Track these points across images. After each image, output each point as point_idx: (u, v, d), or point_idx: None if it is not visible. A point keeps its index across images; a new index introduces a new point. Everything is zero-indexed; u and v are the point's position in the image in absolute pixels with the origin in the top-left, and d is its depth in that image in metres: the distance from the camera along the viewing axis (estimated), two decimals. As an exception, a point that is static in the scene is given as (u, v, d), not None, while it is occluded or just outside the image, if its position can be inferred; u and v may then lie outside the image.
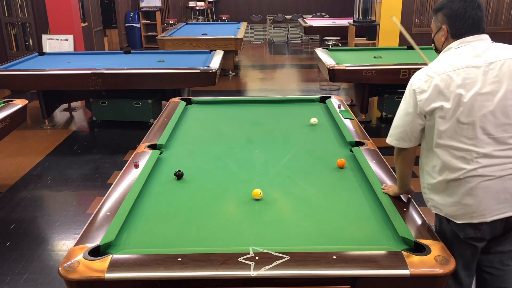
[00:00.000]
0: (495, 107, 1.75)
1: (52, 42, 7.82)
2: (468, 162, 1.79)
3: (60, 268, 1.64)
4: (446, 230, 1.96)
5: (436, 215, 2.00)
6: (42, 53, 6.63)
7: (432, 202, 1.96)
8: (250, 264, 1.63)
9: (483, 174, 1.79)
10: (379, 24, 8.05)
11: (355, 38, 8.55)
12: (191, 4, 14.01)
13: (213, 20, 14.70)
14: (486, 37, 1.87)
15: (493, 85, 1.76)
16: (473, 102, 1.75)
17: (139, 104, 5.69)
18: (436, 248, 1.72)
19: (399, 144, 1.97)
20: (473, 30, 1.84)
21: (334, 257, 1.66)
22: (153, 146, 2.84)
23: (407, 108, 1.91)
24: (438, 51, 2.00)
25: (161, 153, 2.77)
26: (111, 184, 2.41)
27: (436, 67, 1.84)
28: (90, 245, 1.77)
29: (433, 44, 2.04)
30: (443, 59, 1.86)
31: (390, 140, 2.01)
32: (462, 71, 1.77)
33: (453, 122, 1.78)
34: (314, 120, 3.31)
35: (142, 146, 2.83)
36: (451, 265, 1.63)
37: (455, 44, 1.87)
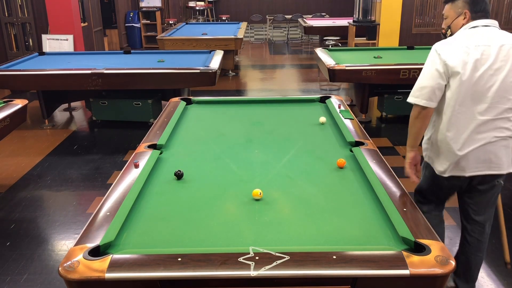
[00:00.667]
0: (501, 82, 2.13)
1: (52, 42, 7.82)
2: (468, 125, 2.19)
3: (60, 268, 1.64)
4: (432, 175, 2.42)
5: (425, 164, 2.47)
6: (42, 53, 6.63)
7: (427, 152, 2.43)
8: (250, 264, 1.63)
9: (475, 138, 2.20)
10: (379, 24, 8.06)
11: (355, 38, 8.55)
12: (191, 4, 14.01)
13: (213, 20, 14.70)
14: (497, 24, 2.26)
15: (502, 62, 2.14)
16: (484, 74, 2.13)
17: (139, 104, 5.69)
18: (436, 248, 1.72)
19: (427, 103, 2.21)
20: (486, 14, 2.25)
21: (334, 257, 1.66)
22: (153, 146, 2.84)
23: (436, 68, 2.18)
24: (447, 36, 2.34)
25: (161, 153, 2.77)
26: (111, 184, 2.41)
27: (459, 40, 2.19)
28: (90, 245, 1.77)
29: (445, 31, 2.37)
30: (464, 36, 2.20)
31: (418, 100, 2.22)
32: (481, 48, 2.14)
33: (465, 89, 2.14)
34: (322, 119, 3.31)
35: (142, 146, 2.83)
36: (451, 265, 1.63)
37: (473, 23, 2.22)
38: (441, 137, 2.27)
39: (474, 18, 2.23)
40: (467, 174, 2.27)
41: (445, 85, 2.19)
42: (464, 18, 2.25)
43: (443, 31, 2.39)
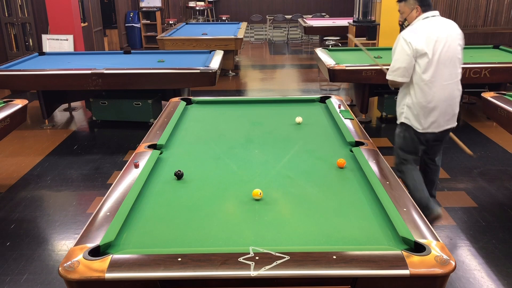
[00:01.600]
0: (452, 55, 2.96)
1: (52, 42, 7.82)
2: (438, 90, 2.95)
3: (60, 268, 1.64)
4: (409, 135, 3.13)
5: (402, 124, 3.16)
6: (42, 53, 6.63)
7: (405, 114, 3.12)
8: (250, 264, 1.63)
9: (441, 98, 2.96)
10: (379, 24, 8.04)
11: (355, 38, 8.54)
12: (191, 4, 14.01)
13: (213, 20, 14.70)
14: (438, 13, 3.05)
15: (450, 41, 2.94)
16: (442, 51, 2.92)
17: (139, 104, 5.69)
18: (436, 248, 1.72)
19: (402, 79, 3.00)
20: (431, 6, 3.05)
21: (334, 257, 1.66)
22: (153, 146, 2.84)
23: (406, 53, 2.92)
24: (405, 27, 3.09)
25: (161, 153, 2.77)
26: (111, 184, 2.41)
27: (421, 29, 2.95)
28: (90, 245, 1.77)
29: (402, 22, 3.16)
30: (423, 25, 2.97)
31: (395, 77, 3.01)
32: (436, 33, 2.93)
33: (430, 64, 2.91)
34: (299, 119, 3.31)
35: (142, 146, 2.83)
36: (451, 265, 1.63)
37: (425, 15, 3.00)
38: (419, 104, 2.99)
39: (424, 10, 3.00)
40: (437, 130, 3.05)
41: (414, 64, 2.92)
42: (417, 12, 3.02)
43: (400, 22, 3.17)
